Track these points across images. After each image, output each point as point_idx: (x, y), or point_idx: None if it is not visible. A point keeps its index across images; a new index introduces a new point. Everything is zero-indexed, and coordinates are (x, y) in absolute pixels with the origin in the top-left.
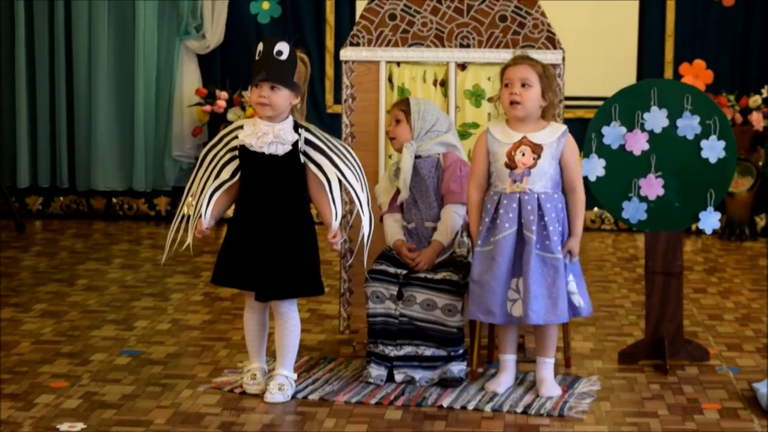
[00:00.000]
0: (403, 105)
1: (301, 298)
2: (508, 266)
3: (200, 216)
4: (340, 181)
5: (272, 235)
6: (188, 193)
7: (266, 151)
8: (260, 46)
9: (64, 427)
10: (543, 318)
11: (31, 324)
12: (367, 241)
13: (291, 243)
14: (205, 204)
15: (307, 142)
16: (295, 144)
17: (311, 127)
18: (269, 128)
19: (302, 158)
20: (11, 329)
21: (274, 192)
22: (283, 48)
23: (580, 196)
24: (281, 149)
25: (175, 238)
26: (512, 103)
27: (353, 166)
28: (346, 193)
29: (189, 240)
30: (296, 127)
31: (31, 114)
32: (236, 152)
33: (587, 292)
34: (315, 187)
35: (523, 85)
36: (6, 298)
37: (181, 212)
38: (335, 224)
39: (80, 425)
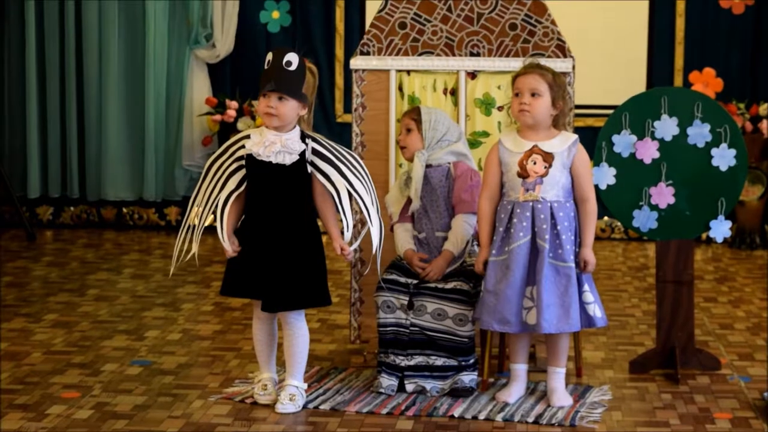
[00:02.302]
0: (414, 114)
1: (311, 308)
2: (522, 275)
3: (221, 236)
4: (348, 191)
5: (279, 246)
6: (193, 203)
7: (273, 160)
8: (269, 56)
9: None
10: (555, 327)
11: (42, 334)
12: (378, 252)
13: (298, 253)
14: (219, 227)
15: (315, 152)
16: (303, 154)
17: (318, 136)
18: (276, 138)
19: (309, 168)
20: (22, 339)
21: (281, 202)
22: (292, 58)
23: (591, 206)
24: (288, 159)
25: (181, 249)
26: (521, 111)
27: (362, 176)
28: (355, 202)
29: (194, 249)
30: (303, 137)
31: (41, 124)
32: (243, 161)
33: (602, 304)
34: (320, 198)
35: (533, 95)
36: (17, 308)
37: (187, 223)
38: (347, 235)
39: None
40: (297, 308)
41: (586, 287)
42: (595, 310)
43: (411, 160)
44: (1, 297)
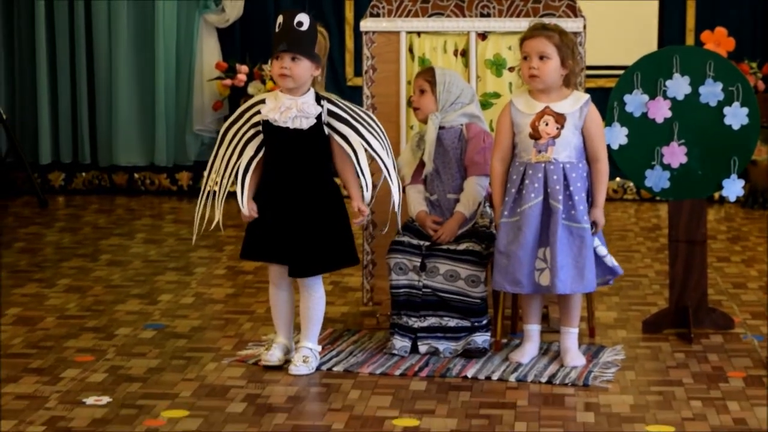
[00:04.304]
0: (428, 75)
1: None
2: (534, 236)
3: (240, 204)
4: (366, 150)
5: (302, 210)
6: (211, 170)
7: (291, 125)
8: (280, 18)
9: (89, 400)
10: (570, 287)
11: (56, 299)
12: (398, 208)
13: (322, 217)
14: (239, 192)
15: (330, 113)
16: (319, 116)
17: (333, 97)
18: (292, 102)
19: (326, 130)
20: (36, 304)
21: (301, 166)
22: (303, 19)
23: (603, 166)
24: (306, 123)
25: (203, 215)
26: (531, 76)
27: (378, 134)
28: (372, 162)
29: (218, 217)
30: (318, 99)
31: (52, 90)
32: (259, 127)
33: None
34: (339, 159)
35: (541, 58)
36: (30, 273)
37: (206, 190)
38: (367, 195)
39: (106, 399)
40: (326, 271)
41: (597, 242)
42: (612, 261)
43: (424, 121)
44: (14, 263)
